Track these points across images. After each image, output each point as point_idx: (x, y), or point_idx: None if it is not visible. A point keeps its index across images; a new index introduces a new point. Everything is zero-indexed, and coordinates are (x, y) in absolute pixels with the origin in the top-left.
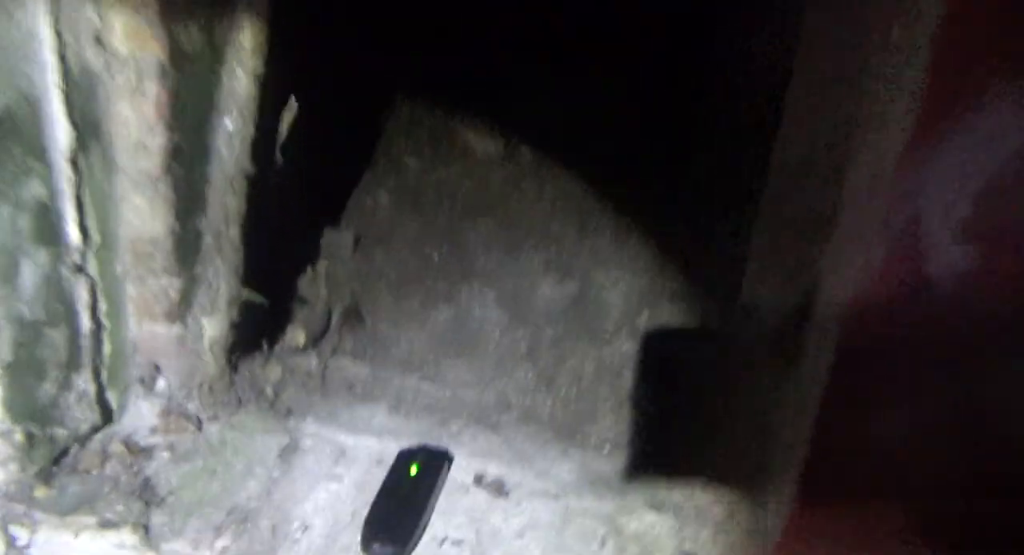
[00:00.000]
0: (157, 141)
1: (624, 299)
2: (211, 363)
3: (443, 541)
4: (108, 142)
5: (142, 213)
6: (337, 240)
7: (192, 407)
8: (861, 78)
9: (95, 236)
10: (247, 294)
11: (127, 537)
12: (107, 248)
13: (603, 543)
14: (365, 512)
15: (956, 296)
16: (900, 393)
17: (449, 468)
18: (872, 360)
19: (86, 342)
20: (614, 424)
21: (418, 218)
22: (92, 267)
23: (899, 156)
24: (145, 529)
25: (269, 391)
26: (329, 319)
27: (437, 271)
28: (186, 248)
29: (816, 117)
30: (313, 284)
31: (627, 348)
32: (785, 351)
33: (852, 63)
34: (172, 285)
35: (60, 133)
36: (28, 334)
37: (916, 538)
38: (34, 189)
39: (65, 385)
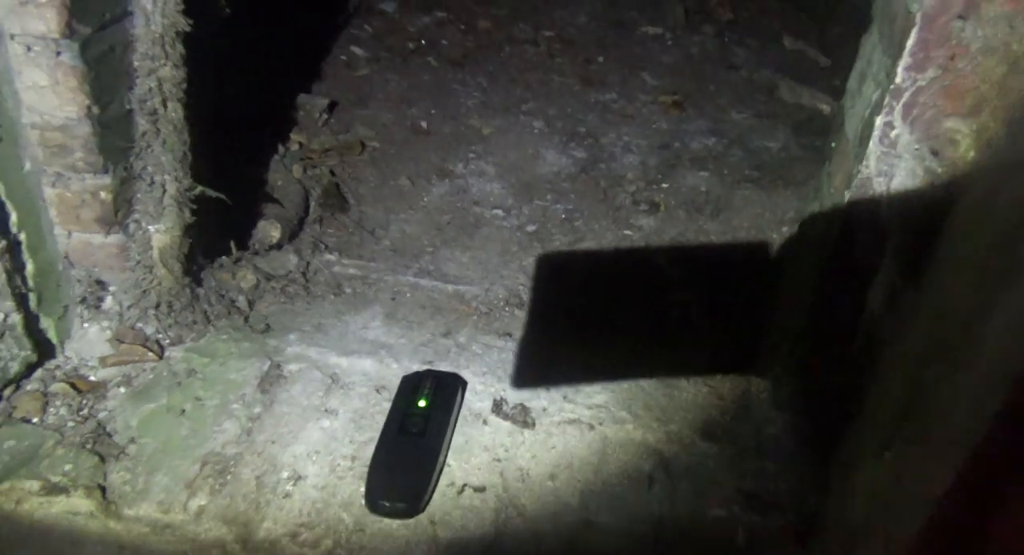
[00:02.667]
0: None
1: (641, 164)
2: (165, 275)
3: (462, 489)
4: None
5: (46, 91)
6: (309, 108)
7: (149, 330)
8: None
9: None
10: (201, 189)
11: (80, 503)
12: (7, 141)
13: (651, 483)
14: (367, 454)
15: None
16: None
17: (463, 395)
18: None
19: None
20: (646, 319)
21: (400, 75)
22: None
23: None
24: (102, 491)
25: (242, 302)
26: (307, 207)
27: (426, 138)
28: (114, 136)
29: None
30: (284, 166)
31: (646, 224)
32: None
33: None
34: (101, 184)
35: None
36: None
37: None
38: None
39: None
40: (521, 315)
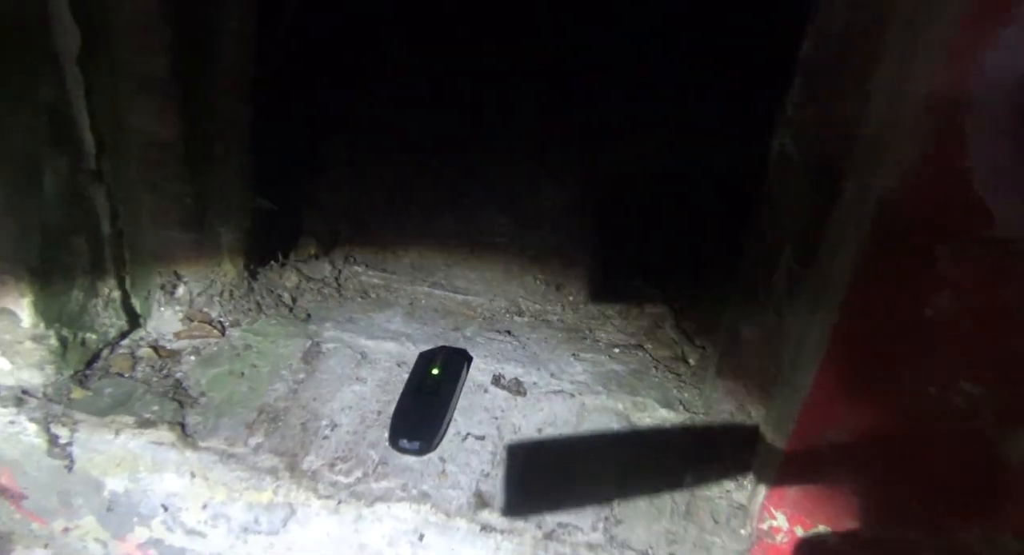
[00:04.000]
0: (161, 39)
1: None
2: (230, 270)
3: (466, 436)
4: (114, 42)
5: (152, 118)
6: (337, 146)
7: (214, 313)
8: None
9: (109, 141)
10: (260, 201)
11: (165, 435)
12: (120, 154)
13: (618, 438)
14: (390, 411)
15: None
16: None
17: (468, 368)
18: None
19: (109, 248)
20: (623, 327)
21: (414, 120)
22: (108, 173)
23: None
24: (181, 427)
25: (287, 297)
26: (338, 228)
27: (437, 176)
28: (198, 154)
29: None
30: (319, 192)
31: (631, 250)
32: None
33: None
34: (186, 192)
35: (66, 33)
36: (53, 240)
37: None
38: (46, 94)
39: (92, 290)
40: (519, 320)
